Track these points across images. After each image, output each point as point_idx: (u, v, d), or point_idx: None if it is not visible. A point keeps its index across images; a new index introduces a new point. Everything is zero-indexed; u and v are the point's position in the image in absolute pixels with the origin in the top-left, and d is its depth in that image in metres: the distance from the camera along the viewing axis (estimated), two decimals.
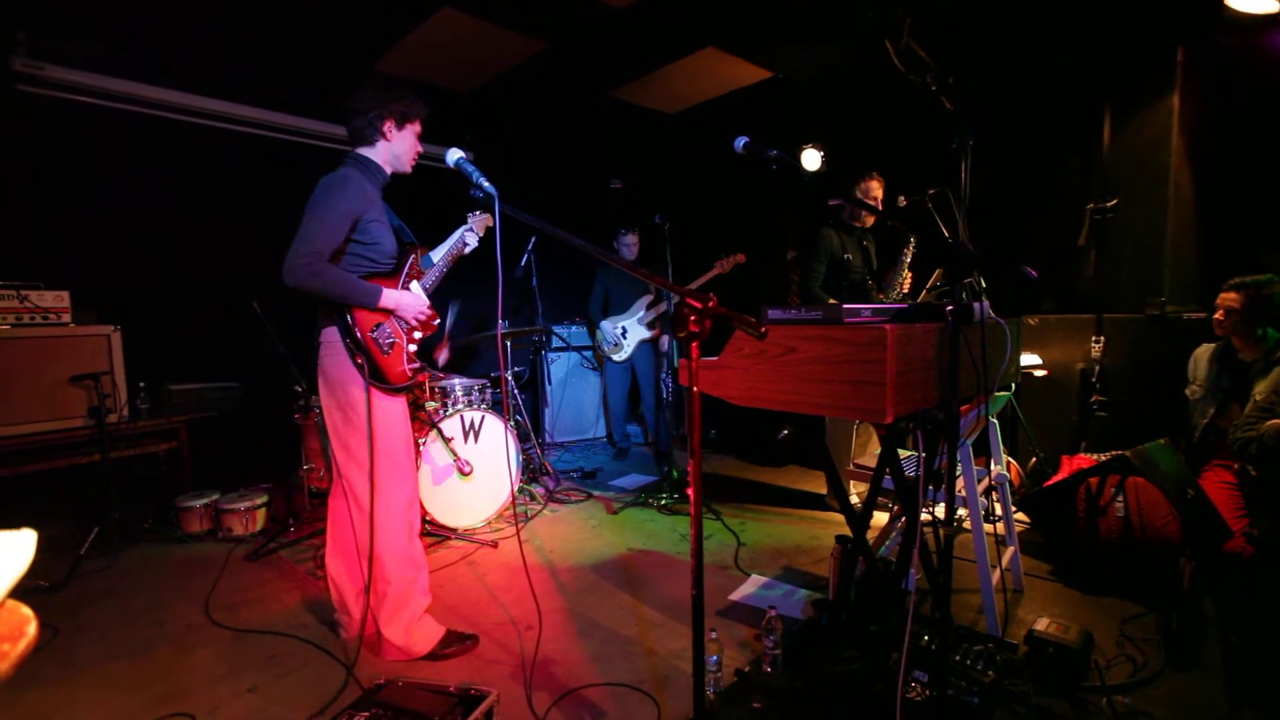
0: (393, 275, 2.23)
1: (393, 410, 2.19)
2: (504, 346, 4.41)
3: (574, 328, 5.68)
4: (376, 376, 2.13)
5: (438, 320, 2.30)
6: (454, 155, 1.73)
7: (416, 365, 2.25)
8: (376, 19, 3.83)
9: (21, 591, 0.49)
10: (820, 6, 3.65)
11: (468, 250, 2.44)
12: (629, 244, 4.92)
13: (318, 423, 3.61)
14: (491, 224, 2.42)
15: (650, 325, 4.89)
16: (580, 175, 6.00)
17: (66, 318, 3.29)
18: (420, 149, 2.31)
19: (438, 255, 2.38)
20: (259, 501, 3.46)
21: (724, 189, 5.78)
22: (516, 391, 4.39)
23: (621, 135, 5.94)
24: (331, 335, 2.14)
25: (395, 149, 2.23)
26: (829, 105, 4.89)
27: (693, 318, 1.24)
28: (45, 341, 3.19)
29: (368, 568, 2.15)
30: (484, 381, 3.76)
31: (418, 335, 2.26)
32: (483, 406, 3.61)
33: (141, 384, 3.56)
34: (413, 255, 2.30)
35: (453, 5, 3.64)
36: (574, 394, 5.67)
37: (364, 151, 2.22)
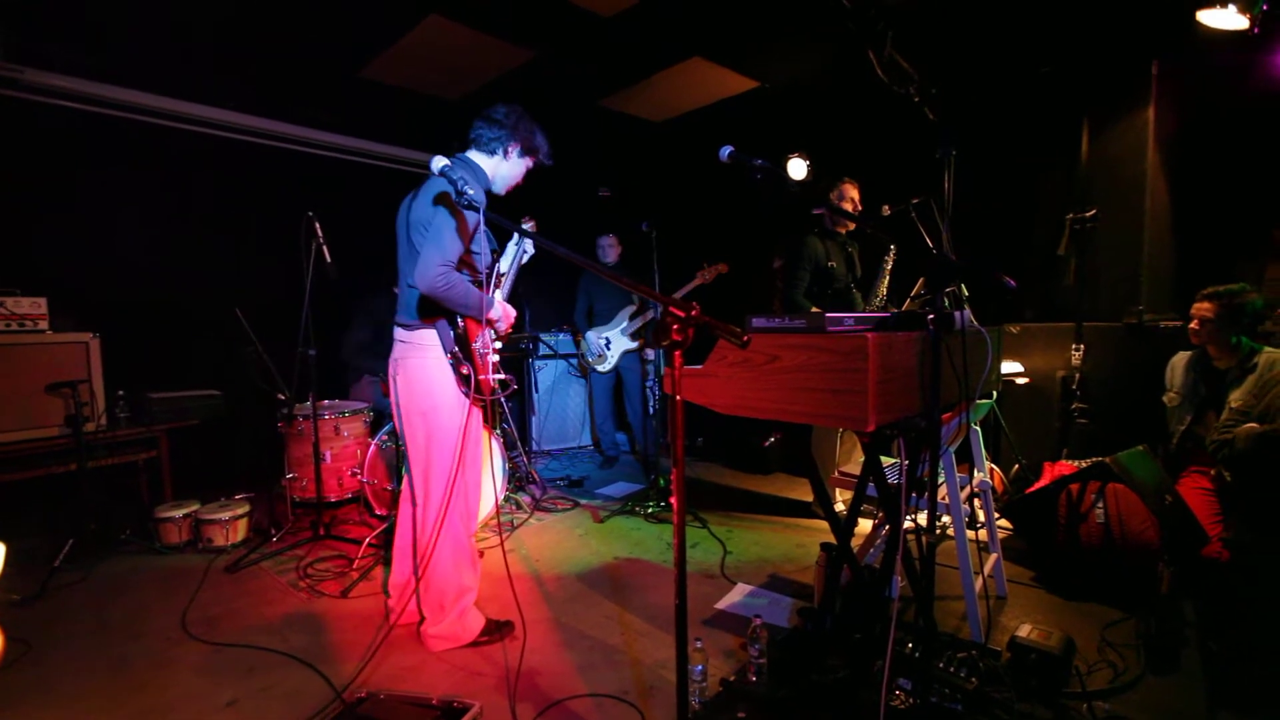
0: (484, 285, 2.23)
1: (476, 420, 2.27)
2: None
3: (561, 335, 5.67)
4: (476, 388, 2.20)
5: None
6: (439, 163, 1.72)
7: (499, 375, 2.34)
8: (363, 25, 3.82)
9: None
10: (805, 18, 3.69)
11: (527, 258, 2.55)
12: (606, 245, 4.94)
13: (300, 432, 3.57)
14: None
15: (634, 336, 4.88)
16: (567, 183, 5.99)
17: (44, 325, 3.23)
18: (520, 183, 2.39)
19: (504, 265, 2.46)
20: (240, 512, 3.40)
21: (710, 198, 5.81)
22: (503, 399, 4.36)
23: (609, 144, 5.95)
24: (429, 339, 2.16)
25: (504, 170, 2.31)
26: (814, 115, 4.94)
27: (675, 326, 1.24)
28: (21, 349, 3.13)
29: (422, 565, 2.24)
30: None
31: (496, 346, 2.33)
32: None
33: (121, 392, 3.51)
34: (496, 263, 2.34)
35: (440, 13, 3.64)
36: (561, 402, 5.65)
37: (476, 156, 2.26)
